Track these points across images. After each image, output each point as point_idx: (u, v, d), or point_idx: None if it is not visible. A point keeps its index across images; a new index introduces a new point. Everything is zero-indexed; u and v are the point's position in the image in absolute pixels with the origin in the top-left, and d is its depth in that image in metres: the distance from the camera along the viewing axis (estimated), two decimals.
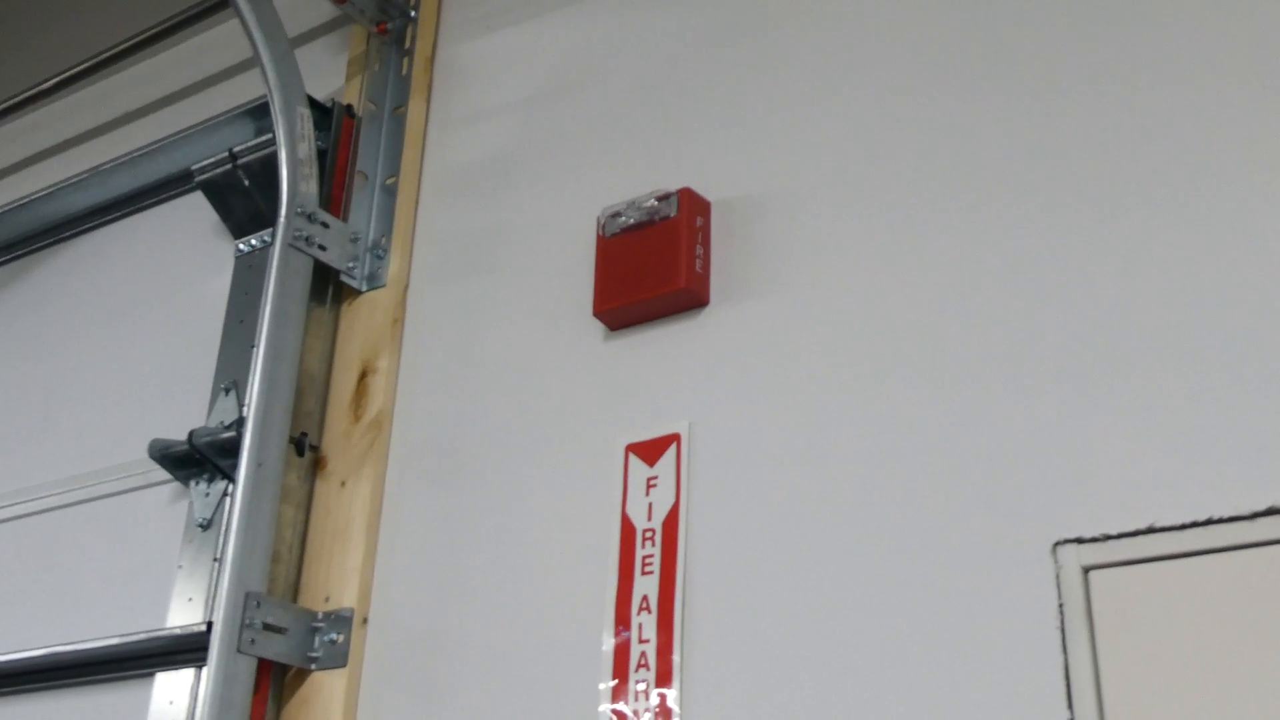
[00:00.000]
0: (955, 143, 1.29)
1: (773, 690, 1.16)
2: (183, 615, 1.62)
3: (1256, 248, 1.08)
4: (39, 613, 1.82)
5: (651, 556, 1.29)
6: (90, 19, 2.19)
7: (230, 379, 1.76)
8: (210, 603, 1.59)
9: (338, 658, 1.46)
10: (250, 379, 1.54)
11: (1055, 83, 1.25)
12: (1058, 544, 1.05)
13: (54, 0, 2.21)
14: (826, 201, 1.36)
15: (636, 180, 1.49)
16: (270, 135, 1.69)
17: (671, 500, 1.31)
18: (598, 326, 1.46)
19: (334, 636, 1.47)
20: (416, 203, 1.73)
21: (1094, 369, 1.11)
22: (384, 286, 1.67)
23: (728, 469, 1.29)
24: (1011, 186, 1.24)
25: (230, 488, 1.63)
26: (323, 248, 1.63)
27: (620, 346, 1.44)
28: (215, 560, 1.62)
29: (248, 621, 1.39)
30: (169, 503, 1.77)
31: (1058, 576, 1.03)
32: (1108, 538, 1.02)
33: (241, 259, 1.86)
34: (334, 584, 1.51)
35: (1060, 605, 1.02)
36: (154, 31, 2.00)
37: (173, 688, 1.58)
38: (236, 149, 1.80)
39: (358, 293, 1.69)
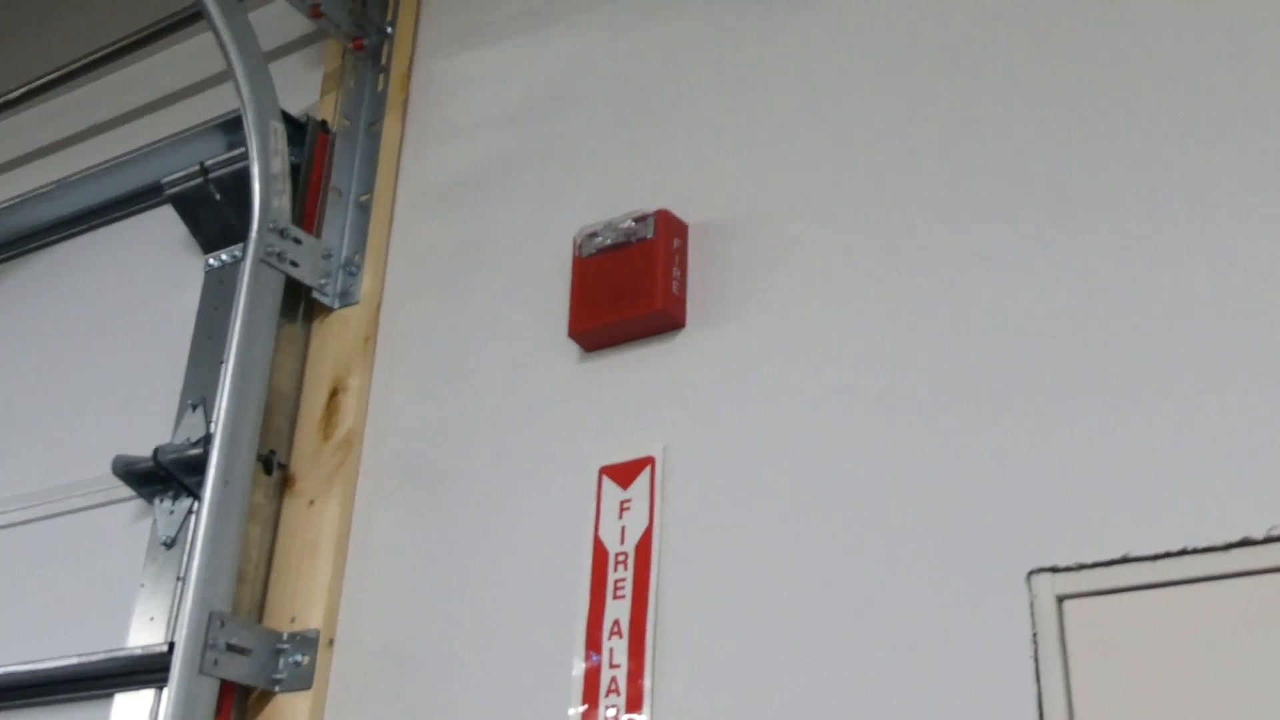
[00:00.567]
0: (933, 165, 1.29)
1: (743, 717, 1.15)
2: (144, 635, 1.59)
3: (1230, 278, 1.09)
4: None
5: (624, 580, 1.28)
6: (61, 28, 2.17)
7: (198, 395, 1.74)
8: (173, 622, 1.56)
9: (302, 679, 1.44)
10: (218, 395, 1.52)
11: (1034, 103, 1.26)
12: (1032, 573, 1.05)
13: (23, 9, 2.19)
14: (804, 224, 1.36)
15: (614, 200, 1.49)
16: (243, 149, 1.67)
17: (645, 524, 1.30)
18: (573, 347, 1.45)
19: (299, 658, 1.45)
20: (391, 220, 1.72)
21: (1069, 398, 1.11)
22: (356, 304, 1.66)
23: (702, 493, 1.29)
24: (988, 210, 1.24)
25: (195, 505, 1.61)
26: (294, 264, 1.62)
27: (595, 368, 1.43)
28: (179, 579, 1.60)
29: (211, 642, 1.37)
30: (132, 520, 1.74)
31: (1032, 605, 1.03)
32: (1082, 567, 1.02)
33: (211, 274, 1.84)
34: (300, 604, 1.49)
35: (1034, 635, 1.02)
36: (126, 42, 1.98)
37: (132, 709, 1.55)
38: (208, 162, 1.78)
39: (330, 310, 1.67)
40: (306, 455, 1.59)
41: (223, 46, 1.64)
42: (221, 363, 1.58)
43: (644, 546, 1.29)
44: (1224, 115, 1.15)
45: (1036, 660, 1.01)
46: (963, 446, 1.15)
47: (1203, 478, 1.02)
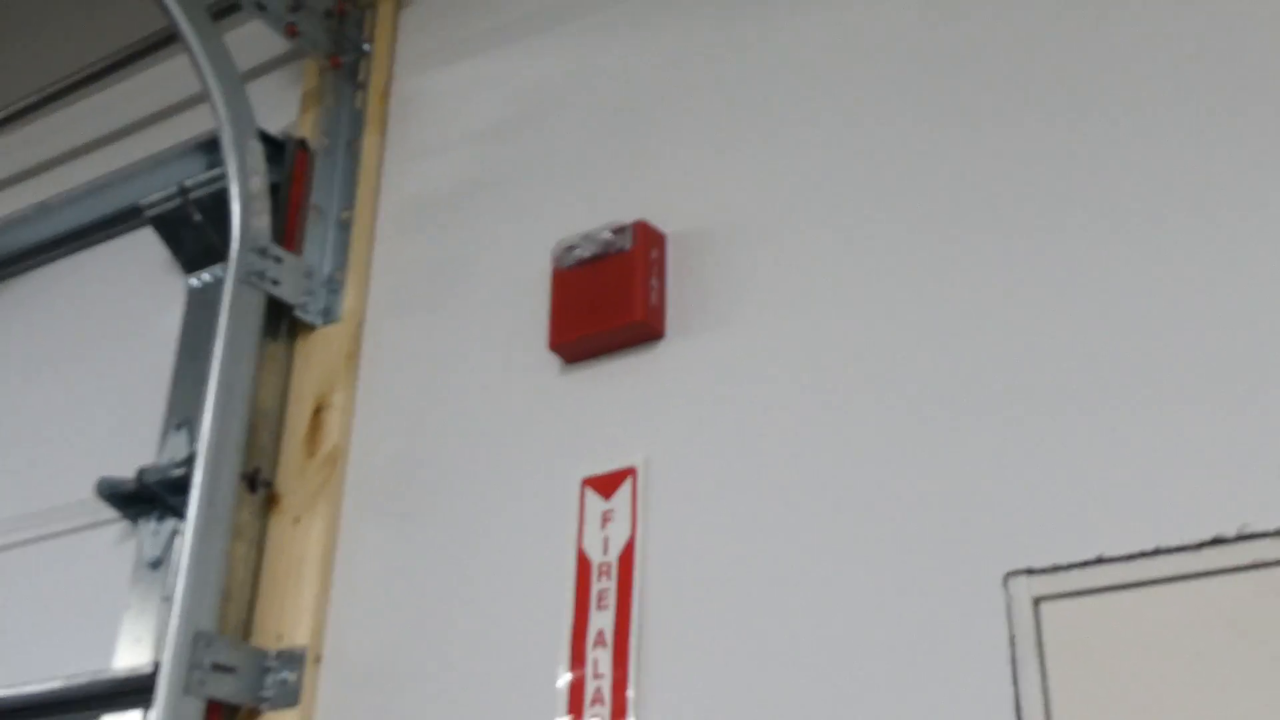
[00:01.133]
0: (912, 176, 1.30)
1: None
2: (130, 656, 1.59)
3: (1200, 283, 1.10)
4: None
5: (607, 591, 1.28)
6: (38, 53, 2.17)
7: (182, 416, 1.74)
8: (159, 643, 1.56)
9: (289, 697, 1.44)
10: (202, 415, 1.52)
11: (1021, 112, 1.26)
12: (1009, 575, 1.06)
13: None
14: (782, 233, 1.37)
15: (592, 213, 1.50)
16: (221, 170, 1.68)
17: (627, 534, 1.31)
18: (554, 360, 1.46)
19: (286, 675, 1.45)
20: (372, 237, 1.72)
21: (1042, 403, 1.12)
22: (339, 321, 1.66)
23: (683, 502, 1.29)
24: (966, 220, 1.25)
25: (180, 526, 1.61)
26: (276, 282, 1.62)
27: (576, 379, 1.44)
28: (164, 600, 1.59)
29: (196, 661, 1.37)
30: (117, 542, 1.74)
31: (1009, 608, 1.04)
32: (1058, 569, 1.03)
33: (194, 294, 1.85)
34: (287, 622, 1.49)
35: (1011, 636, 1.03)
36: (103, 65, 1.99)
37: None
38: (187, 183, 1.79)
39: (312, 327, 1.67)
40: (291, 473, 1.60)
41: (198, 68, 1.65)
42: (205, 383, 1.58)
43: (626, 557, 1.29)
44: (1214, 125, 1.15)
45: (1014, 662, 1.01)
46: (940, 452, 1.16)
47: (1175, 477, 1.03)
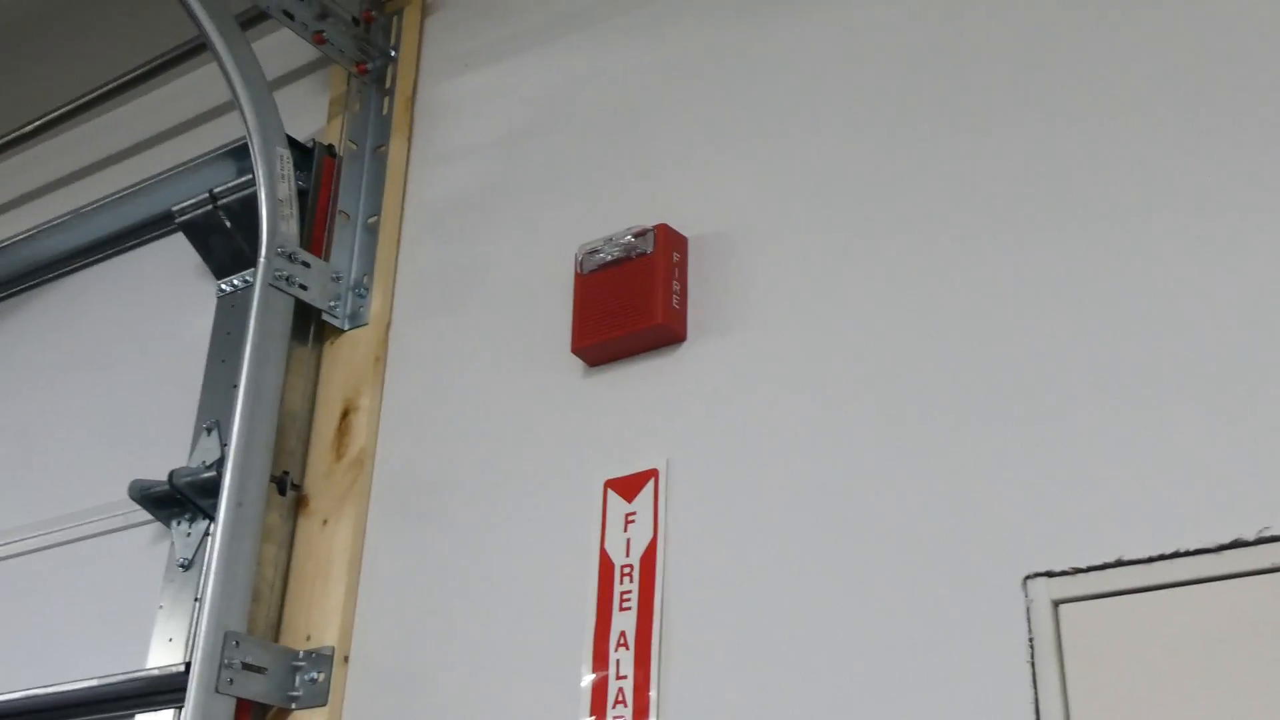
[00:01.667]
0: (930, 178, 1.31)
1: None
2: (163, 656, 1.62)
3: (1220, 285, 1.09)
4: (20, 655, 1.82)
5: (629, 592, 1.29)
6: (71, 63, 2.21)
7: (212, 419, 1.76)
8: (190, 643, 1.59)
9: (318, 696, 1.46)
10: (232, 419, 1.54)
11: (1033, 117, 1.26)
12: (1028, 578, 1.06)
13: (34, 44, 2.23)
14: (803, 236, 1.37)
15: (614, 216, 1.51)
16: (250, 176, 1.70)
17: (649, 536, 1.32)
18: (576, 363, 1.47)
19: (314, 675, 1.47)
20: (398, 241, 1.74)
21: (1062, 405, 1.12)
22: (366, 325, 1.68)
23: (705, 504, 1.30)
24: (984, 222, 1.25)
25: (211, 527, 1.63)
26: (304, 287, 1.64)
27: (599, 382, 1.45)
28: (196, 600, 1.62)
29: (226, 661, 1.39)
30: (151, 543, 1.77)
31: (1028, 610, 1.04)
32: (1077, 571, 1.03)
33: (223, 299, 1.87)
34: (315, 622, 1.51)
35: (1030, 639, 1.03)
36: (135, 74, 2.02)
37: None
38: (217, 190, 1.81)
39: (340, 331, 1.70)
40: (320, 475, 1.62)
41: (227, 76, 1.67)
42: (234, 386, 1.61)
43: (649, 558, 1.30)
44: (1221, 127, 1.15)
45: (1033, 665, 1.02)
46: (960, 454, 1.16)
47: (1195, 480, 1.03)
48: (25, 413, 2.07)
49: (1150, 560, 1.00)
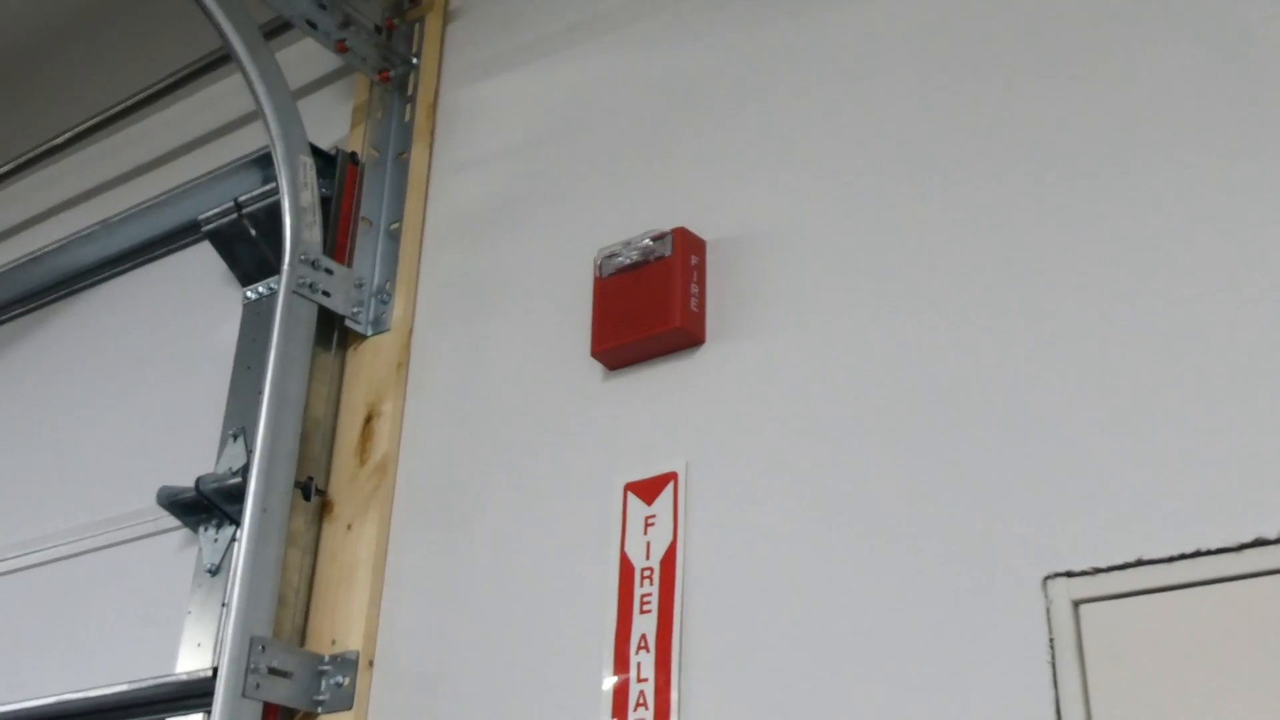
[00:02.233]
0: (950, 182, 1.30)
1: None
2: (192, 661, 1.63)
3: (1236, 283, 1.08)
4: (53, 660, 1.84)
5: (650, 595, 1.29)
6: (97, 77, 2.24)
7: (239, 425, 1.78)
8: (219, 648, 1.60)
9: (343, 700, 1.47)
10: (257, 425, 1.55)
11: (1042, 124, 1.26)
12: (1048, 578, 1.05)
13: (63, 59, 2.26)
14: (820, 239, 1.37)
15: (633, 220, 1.51)
16: (274, 184, 1.72)
17: (669, 539, 1.32)
18: (596, 366, 1.47)
19: (340, 679, 1.48)
20: (420, 247, 1.75)
21: (1081, 405, 1.11)
22: (388, 331, 1.69)
23: (724, 506, 1.30)
24: (1003, 225, 1.24)
25: (237, 533, 1.65)
26: (327, 294, 1.66)
27: (618, 386, 1.45)
28: (223, 605, 1.63)
29: (252, 666, 1.40)
30: (179, 549, 1.78)
31: (1048, 610, 1.03)
32: (1097, 571, 1.02)
33: (249, 306, 1.89)
34: (340, 627, 1.52)
35: (1051, 639, 1.02)
36: (160, 86, 2.05)
37: None
38: (241, 198, 1.83)
39: (363, 337, 1.71)
40: (344, 481, 1.63)
41: (250, 86, 1.69)
42: (260, 393, 1.62)
43: (669, 561, 1.30)
44: (1238, 130, 1.14)
45: (1054, 665, 1.01)
46: (979, 455, 1.15)
47: (1215, 478, 1.02)
48: (57, 421, 2.10)
49: (1170, 560, 0.99)
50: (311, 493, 1.60)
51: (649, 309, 1.41)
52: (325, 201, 1.74)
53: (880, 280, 1.30)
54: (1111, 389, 1.10)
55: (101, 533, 1.90)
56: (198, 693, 1.56)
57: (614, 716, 1.26)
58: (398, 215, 1.77)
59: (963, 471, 1.15)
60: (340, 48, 1.83)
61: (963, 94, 1.33)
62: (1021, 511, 1.10)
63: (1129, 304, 1.13)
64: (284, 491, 1.52)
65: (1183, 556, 0.99)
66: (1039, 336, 1.17)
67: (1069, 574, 1.04)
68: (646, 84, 1.62)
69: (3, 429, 2.18)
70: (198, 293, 2.00)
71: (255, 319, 1.86)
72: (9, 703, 1.73)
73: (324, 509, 1.62)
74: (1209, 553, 0.98)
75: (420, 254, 1.75)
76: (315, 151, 1.73)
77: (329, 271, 1.67)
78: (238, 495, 1.61)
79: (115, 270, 2.15)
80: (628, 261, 1.44)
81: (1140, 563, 1.00)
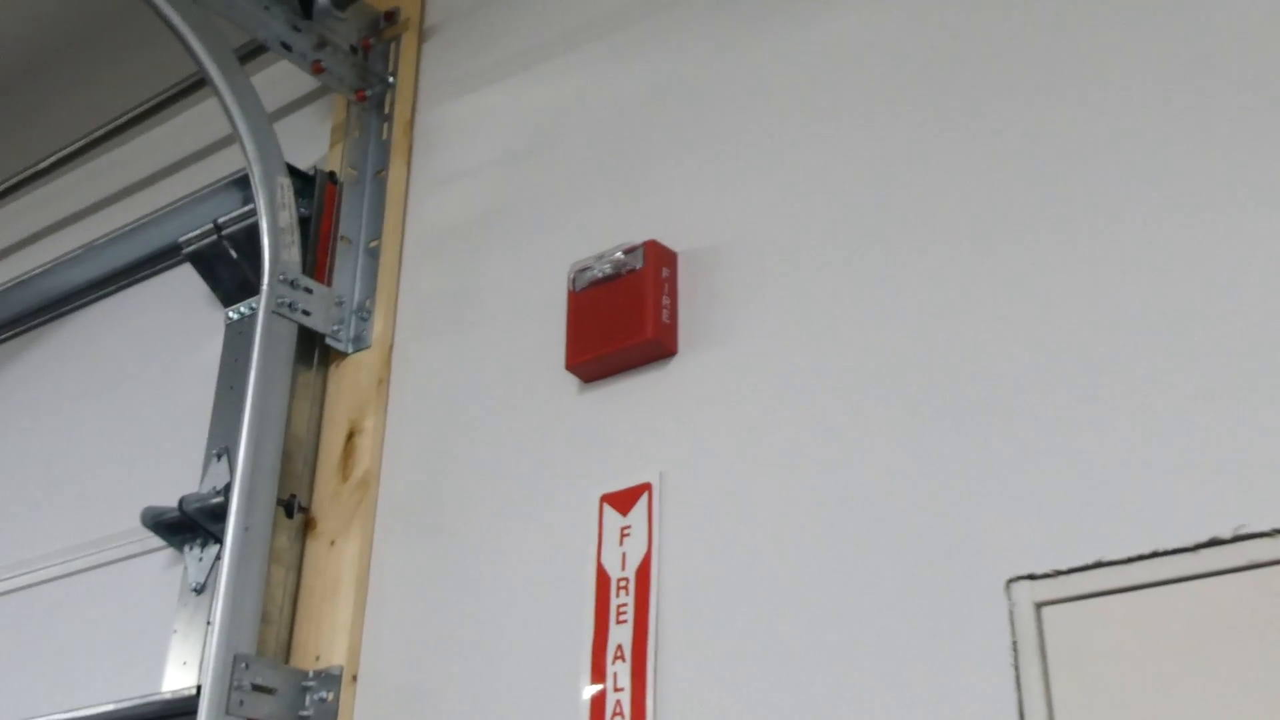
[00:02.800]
0: (918, 190, 1.31)
1: None
2: (178, 679, 1.64)
3: (1192, 287, 1.10)
4: (41, 681, 1.85)
5: (625, 605, 1.31)
6: (78, 102, 2.26)
7: (222, 445, 1.79)
8: (204, 666, 1.61)
9: (328, 716, 1.48)
10: (239, 444, 1.57)
11: (1015, 132, 1.27)
12: (1011, 581, 1.06)
13: (41, 86, 2.28)
14: (790, 249, 1.38)
15: (606, 234, 1.53)
16: (253, 205, 1.73)
17: (644, 549, 1.33)
18: (571, 380, 1.48)
19: (324, 695, 1.49)
20: (399, 264, 1.76)
21: (1038, 410, 1.13)
22: (369, 348, 1.71)
23: (698, 516, 1.31)
24: (972, 235, 1.25)
25: (221, 551, 1.66)
26: (307, 313, 1.67)
27: (593, 399, 1.46)
28: (208, 623, 1.64)
29: (236, 683, 1.41)
30: (165, 568, 1.80)
31: (1011, 613, 1.05)
32: (1058, 573, 1.03)
33: (232, 326, 1.91)
34: (324, 643, 1.54)
35: (1014, 642, 1.03)
36: (140, 110, 2.06)
37: None
38: (221, 220, 1.85)
39: (344, 355, 1.72)
40: (326, 497, 1.64)
41: (226, 109, 1.71)
42: (243, 413, 1.63)
43: (644, 571, 1.32)
44: (1219, 125, 1.15)
45: (1017, 667, 1.02)
46: (943, 461, 1.17)
47: (1171, 480, 1.03)
48: (44, 443, 2.12)
49: (1129, 561, 1.00)
50: (294, 510, 1.62)
51: (622, 321, 1.42)
52: (305, 221, 1.75)
53: (849, 291, 1.32)
54: (1071, 394, 1.12)
55: (88, 554, 1.91)
56: (182, 711, 1.57)
57: None
58: (377, 233, 1.79)
59: (928, 476, 1.17)
60: (316, 69, 1.84)
61: (931, 105, 1.35)
62: (984, 515, 1.12)
63: (1088, 308, 1.14)
64: (266, 509, 1.53)
65: (1140, 558, 1.00)
66: (1001, 345, 1.18)
67: (1031, 576, 1.05)
68: (618, 100, 1.64)
69: None
70: (181, 314, 2.01)
71: (238, 339, 1.88)
72: None
73: (307, 526, 1.63)
74: (1166, 553, 0.99)
75: (399, 271, 1.76)
76: (294, 171, 1.74)
77: (308, 290, 1.68)
78: (222, 514, 1.62)
79: (100, 293, 2.17)
80: (601, 275, 1.46)
81: (1100, 564, 1.02)
